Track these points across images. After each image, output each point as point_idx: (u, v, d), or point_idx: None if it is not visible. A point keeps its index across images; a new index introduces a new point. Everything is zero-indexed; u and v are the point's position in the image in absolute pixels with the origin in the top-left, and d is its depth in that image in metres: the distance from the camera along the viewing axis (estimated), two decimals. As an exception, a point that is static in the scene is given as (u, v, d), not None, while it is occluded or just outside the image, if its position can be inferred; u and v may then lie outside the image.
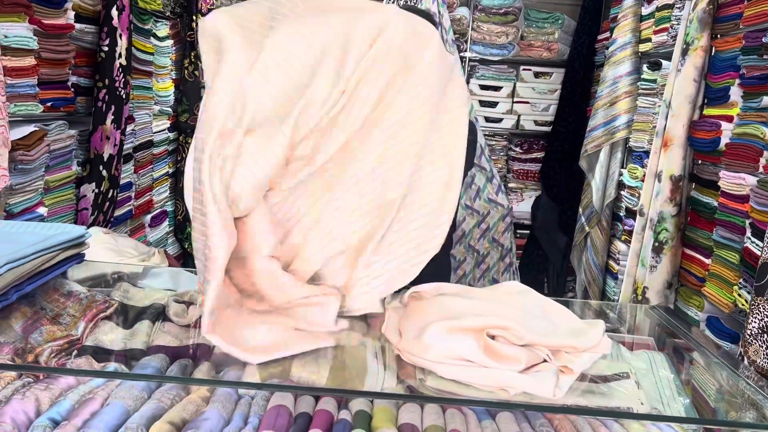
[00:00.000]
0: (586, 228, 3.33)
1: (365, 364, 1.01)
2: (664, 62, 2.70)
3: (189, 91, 3.29)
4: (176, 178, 3.43)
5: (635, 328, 1.64)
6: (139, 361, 1.01)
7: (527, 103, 4.09)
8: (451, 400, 0.95)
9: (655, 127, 2.75)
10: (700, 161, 2.35)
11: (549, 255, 3.81)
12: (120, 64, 2.38)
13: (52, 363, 1.01)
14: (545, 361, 0.98)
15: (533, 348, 0.98)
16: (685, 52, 2.29)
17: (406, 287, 1.16)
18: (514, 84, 4.08)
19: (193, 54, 3.28)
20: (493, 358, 0.94)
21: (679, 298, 2.41)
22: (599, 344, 1.17)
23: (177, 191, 3.37)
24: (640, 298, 2.41)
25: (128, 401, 0.94)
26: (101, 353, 1.03)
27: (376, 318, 1.13)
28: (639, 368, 1.24)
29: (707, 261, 2.21)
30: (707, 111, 2.30)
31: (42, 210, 1.97)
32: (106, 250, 1.91)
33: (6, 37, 1.73)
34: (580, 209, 3.41)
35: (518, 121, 4.12)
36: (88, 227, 1.98)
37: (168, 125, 3.18)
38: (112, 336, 1.09)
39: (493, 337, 0.97)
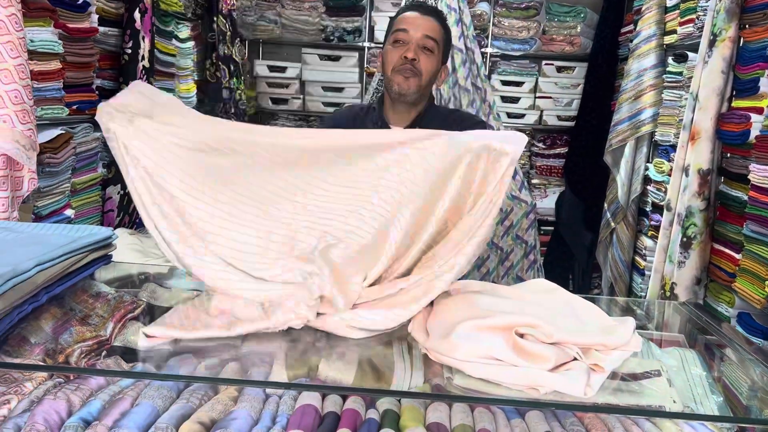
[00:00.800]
0: (612, 224, 3.29)
1: (392, 364, 1.00)
2: (690, 54, 2.65)
3: (211, 92, 3.31)
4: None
5: (665, 325, 1.61)
6: (167, 361, 1.02)
7: (550, 98, 4.05)
8: (480, 399, 0.94)
9: (681, 120, 2.71)
10: (728, 154, 2.31)
11: (574, 252, 3.77)
12: (143, 66, 2.41)
13: (82, 363, 1.02)
14: (575, 359, 0.96)
15: (563, 346, 0.96)
16: (712, 44, 2.25)
17: None
18: (537, 79, 4.04)
19: (214, 55, 3.30)
20: (522, 357, 0.93)
21: (709, 294, 2.37)
22: (630, 342, 1.15)
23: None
24: (668, 294, 2.37)
25: (157, 401, 0.95)
26: (130, 353, 1.03)
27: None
28: (670, 366, 1.22)
29: (737, 256, 2.16)
30: (736, 103, 2.25)
31: (69, 212, 2.00)
32: (132, 251, 1.93)
33: (32, 41, 1.76)
34: (606, 205, 3.37)
35: (541, 116, 4.09)
36: (114, 228, 2.00)
37: (191, 126, 3.19)
38: (140, 336, 1.10)
39: (521, 336, 0.95)
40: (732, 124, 2.21)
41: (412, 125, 1.79)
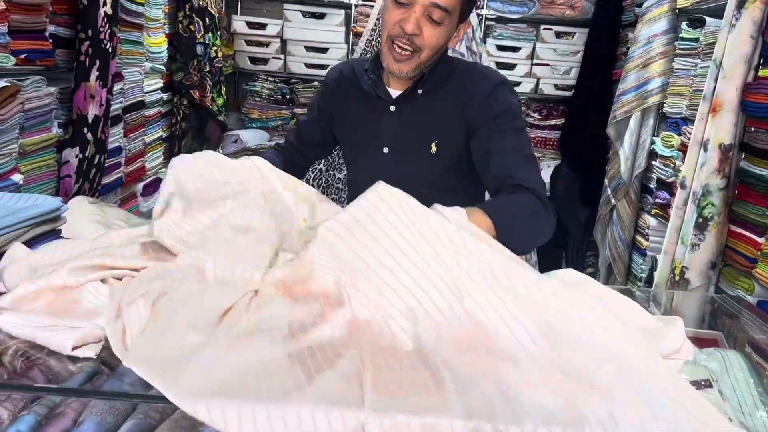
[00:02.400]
0: (612, 200, 3.13)
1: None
2: (708, 19, 2.46)
3: (183, 47, 3.04)
4: (171, 142, 3.20)
5: (695, 320, 1.45)
6: (121, 366, 0.82)
7: (547, 65, 3.87)
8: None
9: (694, 90, 2.53)
10: (753, 128, 2.13)
11: (569, 228, 3.63)
12: (105, 12, 2.14)
13: (18, 363, 0.84)
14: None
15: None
16: (741, 5, 2.05)
17: None
18: (534, 45, 3.86)
19: (188, 7, 3.02)
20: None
21: (722, 279, 2.21)
22: (681, 348, 0.97)
23: (171, 157, 3.16)
24: (677, 278, 2.22)
25: (107, 417, 0.78)
26: (78, 353, 0.84)
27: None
28: (713, 371, 1.06)
29: (760, 240, 2.01)
30: (764, 72, 2.07)
31: (17, 177, 1.76)
32: (92, 222, 1.71)
33: (-32, -25, 1.50)
34: (606, 180, 3.21)
35: (537, 84, 3.91)
36: (73, 196, 1.79)
37: (161, 85, 2.94)
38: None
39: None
40: (759, 95, 2.02)
41: (414, 88, 1.55)
